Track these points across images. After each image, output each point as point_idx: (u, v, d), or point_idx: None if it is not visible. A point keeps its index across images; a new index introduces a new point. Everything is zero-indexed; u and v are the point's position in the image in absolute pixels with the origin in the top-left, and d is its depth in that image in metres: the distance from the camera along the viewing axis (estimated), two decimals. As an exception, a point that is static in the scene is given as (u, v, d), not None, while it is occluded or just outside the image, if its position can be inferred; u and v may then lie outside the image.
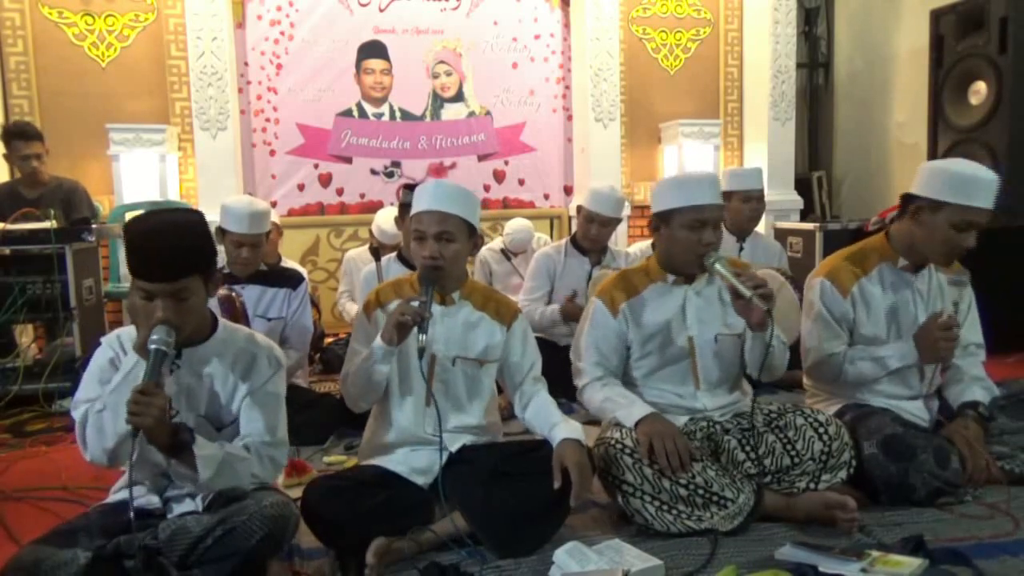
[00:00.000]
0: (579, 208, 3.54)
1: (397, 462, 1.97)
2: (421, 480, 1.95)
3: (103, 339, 1.77)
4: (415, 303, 1.88)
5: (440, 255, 1.94)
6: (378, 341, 1.91)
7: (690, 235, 2.05)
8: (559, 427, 1.95)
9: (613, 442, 1.98)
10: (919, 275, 2.28)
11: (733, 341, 2.14)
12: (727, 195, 3.67)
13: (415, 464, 1.97)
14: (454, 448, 1.98)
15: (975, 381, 2.30)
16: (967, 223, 2.11)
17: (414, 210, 2.00)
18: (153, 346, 1.54)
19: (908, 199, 2.22)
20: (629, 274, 2.24)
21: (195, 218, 1.68)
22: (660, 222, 2.11)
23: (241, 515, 1.58)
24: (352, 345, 2.07)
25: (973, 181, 2.10)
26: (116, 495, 1.77)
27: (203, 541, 1.55)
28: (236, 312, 2.69)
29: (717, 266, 1.99)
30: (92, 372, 1.72)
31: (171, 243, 1.58)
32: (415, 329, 1.85)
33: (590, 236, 3.48)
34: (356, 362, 1.98)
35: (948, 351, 2.16)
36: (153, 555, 1.53)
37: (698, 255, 2.04)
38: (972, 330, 2.38)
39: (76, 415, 1.65)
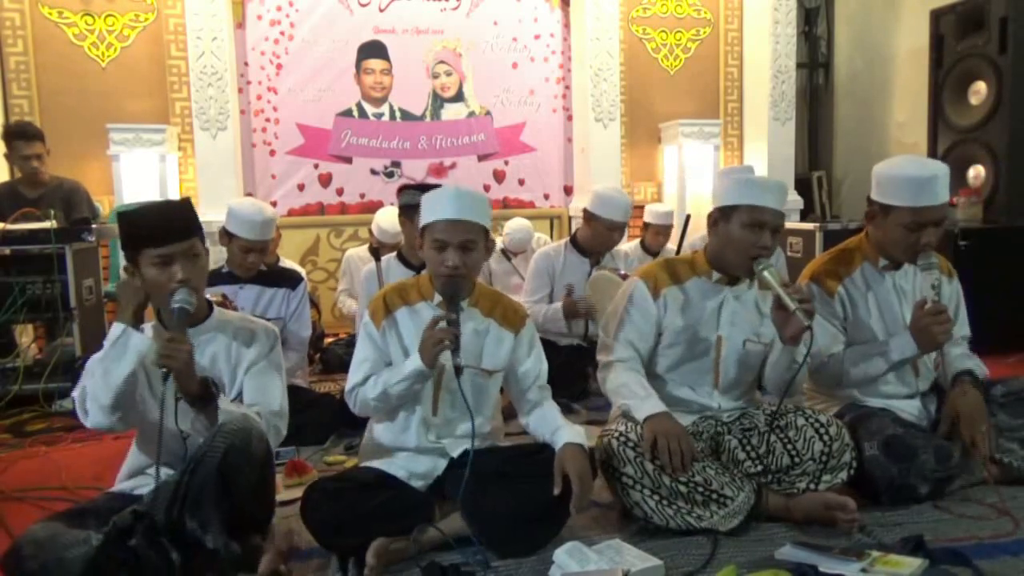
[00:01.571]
0: (587, 213, 3.45)
1: (398, 466, 1.96)
2: (419, 484, 1.94)
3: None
4: (444, 323, 1.82)
5: (463, 264, 1.90)
6: (419, 364, 1.85)
7: (748, 235, 2.01)
8: (562, 430, 1.94)
9: (617, 435, 1.97)
10: (900, 272, 2.28)
11: (760, 351, 2.14)
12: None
13: (415, 469, 1.96)
14: (456, 453, 1.97)
15: (965, 358, 2.31)
16: (917, 224, 2.11)
17: (431, 218, 1.92)
18: (177, 304, 1.71)
19: (868, 202, 2.23)
20: (673, 263, 2.22)
21: (179, 199, 1.97)
22: (720, 216, 2.08)
23: (204, 445, 1.64)
24: (361, 354, 2.01)
25: (916, 182, 2.09)
26: (121, 484, 1.85)
27: (180, 485, 1.60)
28: None
29: (765, 274, 1.97)
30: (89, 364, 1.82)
31: (172, 209, 1.84)
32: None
33: (610, 242, 3.46)
34: (383, 380, 1.92)
35: (944, 334, 2.11)
36: (151, 532, 1.56)
37: (750, 256, 2.01)
38: (960, 324, 2.37)
39: (76, 394, 1.77)
